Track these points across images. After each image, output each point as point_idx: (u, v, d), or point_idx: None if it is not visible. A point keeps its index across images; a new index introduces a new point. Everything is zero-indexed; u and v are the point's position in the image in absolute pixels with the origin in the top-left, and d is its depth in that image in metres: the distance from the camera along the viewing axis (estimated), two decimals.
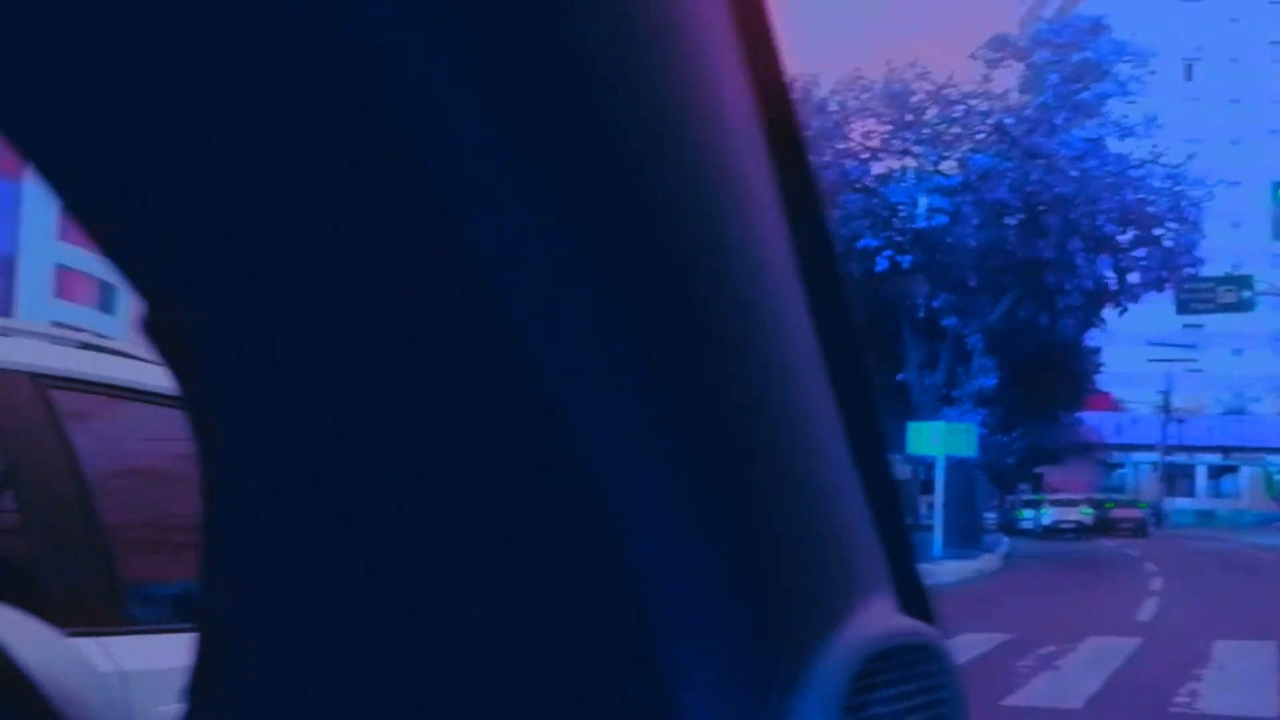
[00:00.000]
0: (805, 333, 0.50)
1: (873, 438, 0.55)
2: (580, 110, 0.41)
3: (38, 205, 45.57)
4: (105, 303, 48.71)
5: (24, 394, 2.03)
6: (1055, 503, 40.19)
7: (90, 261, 48.58)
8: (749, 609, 0.46)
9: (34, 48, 0.41)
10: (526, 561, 0.45)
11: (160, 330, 0.48)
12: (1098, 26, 27.81)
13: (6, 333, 2.30)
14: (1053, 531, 37.95)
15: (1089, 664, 10.12)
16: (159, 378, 2.40)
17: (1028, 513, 40.30)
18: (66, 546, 1.96)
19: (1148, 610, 14.73)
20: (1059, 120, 26.54)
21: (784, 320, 0.48)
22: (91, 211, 0.46)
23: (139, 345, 2.63)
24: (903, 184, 26.24)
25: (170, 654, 1.90)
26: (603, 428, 0.43)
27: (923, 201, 25.78)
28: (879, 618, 0.51)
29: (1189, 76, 60.04)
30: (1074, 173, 25.78)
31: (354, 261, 0.43)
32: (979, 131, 27.04)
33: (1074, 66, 26.99)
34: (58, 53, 0.41)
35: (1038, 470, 41.18)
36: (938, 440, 21.48)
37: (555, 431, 0.43)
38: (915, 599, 0.54)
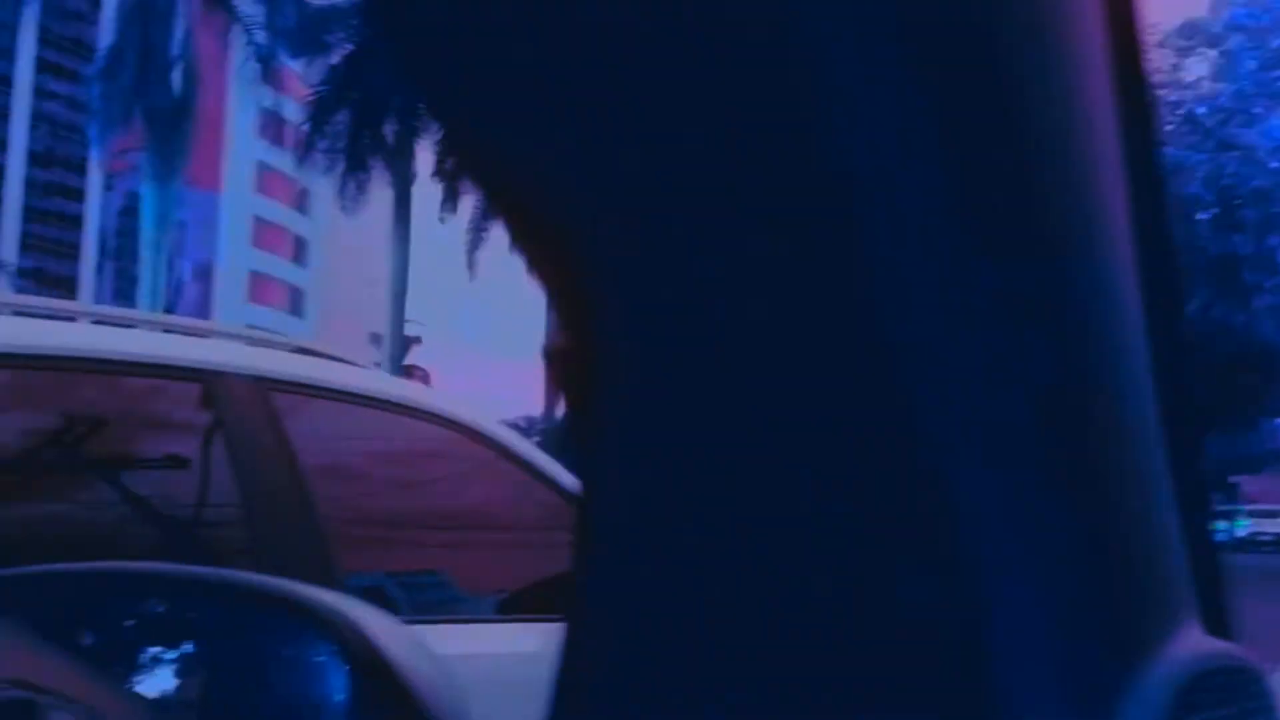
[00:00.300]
0: (1142, 346, 0.50)
1: (1190, 451, 0.53)
2: (987, 118, 0.42)
3: (234, 214, 47.90)
4: (295, 307, 50.81)
5: (247, 396, 2.13)
6: (1253, 514, 38.25)
7: (281, 268, 50.83)
8: (1084, 628, 0.46)
9: (506, 63, 0.44)
10: (880, 576, 0.45)
11: (564, 354, 0.50)
12: None
13: (228, 337, 2.42)
14: (1249, 544, 36.10)
15: None
16: (366, 380, 2.50)
17: (1221, 524, 38.49)
18: (288, 542, 2.05)
19: None
20: (1257, 109, 25.29)
21: (1127, 338, 0.49)
22: (532, 232, 0.48)
23: (339, 349, 2.73)
24: None
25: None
26: (964, 447, 0.44)
27: None
28: (1194, 639, 0.50)
29: None
30: (1274, 164, 24.53)
31: (759, 282, 0.44)
32: (1168, 123, 25.95)
33: (1272, 52, 25.67)
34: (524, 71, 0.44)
35: (1233, 479, 39.26)
36: None
37: (921, 449, 0.44)
38: (1221, 620, 0.53)
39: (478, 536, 2.73)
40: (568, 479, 2.74)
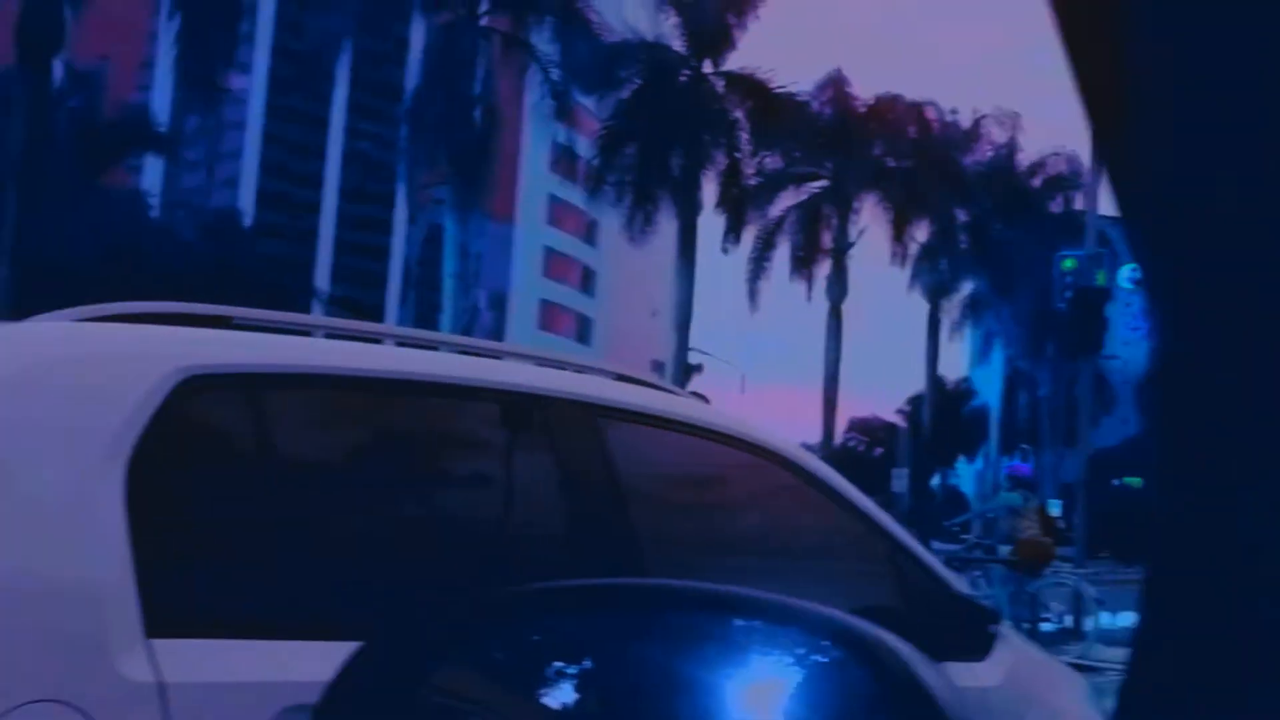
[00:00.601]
0: None
1: None
2: None
3: (527, 245, 50.02)
4: (582, 335, 52.53)
5: (577, 420, 2.20)
6: None
7: (570, 297, 52.69)
8: None
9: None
10: None
11: (1162, 378, 0.50)
12: None
13: (556, 366, 2.52)
14: None
15: None
16: (689, 409, 2.53)
17: None
18: (610, 563, 2.10)
19: None
20: None
21: None
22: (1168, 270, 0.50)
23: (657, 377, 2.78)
24: None
25: None
26: None
27: None
28: None
29: None
30: None
31: None
32: None
33: None
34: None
35: None
36: None
37: None
38: None
39: (789, 564, 2.71)
40: (873, 508, 2.69)
